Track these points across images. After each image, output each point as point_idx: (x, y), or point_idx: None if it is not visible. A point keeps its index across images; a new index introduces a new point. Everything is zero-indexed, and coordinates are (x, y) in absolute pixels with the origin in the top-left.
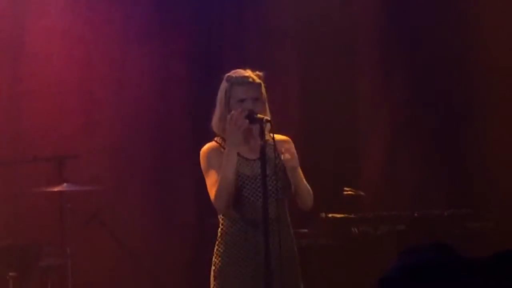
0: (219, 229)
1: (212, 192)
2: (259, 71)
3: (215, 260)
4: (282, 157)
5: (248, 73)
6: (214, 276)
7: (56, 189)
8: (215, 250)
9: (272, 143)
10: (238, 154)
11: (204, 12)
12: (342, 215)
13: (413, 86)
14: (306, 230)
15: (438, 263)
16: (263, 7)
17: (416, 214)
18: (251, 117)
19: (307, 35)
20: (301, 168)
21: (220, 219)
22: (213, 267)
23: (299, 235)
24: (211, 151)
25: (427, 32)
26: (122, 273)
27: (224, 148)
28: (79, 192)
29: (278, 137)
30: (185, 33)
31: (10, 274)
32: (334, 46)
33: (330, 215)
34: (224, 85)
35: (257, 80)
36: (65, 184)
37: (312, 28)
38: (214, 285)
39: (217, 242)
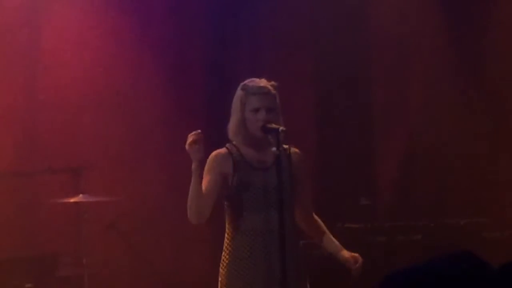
0: (225, 239)
1: None
2: (274, 81)
3: (221, 271)
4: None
5: (263, 83)
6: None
7: (72, 200)
8: (221, 261)
9: (286, 153)
10: (248, 163)
11: (219, 21)
12: (358, 225)
13: (428, 93)
14: None
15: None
16: (278, 15)
17: (432, 224)
18: (266, 127)
19: (322, 43)
20: (318, 177)
21: (227, 229)
22: (219, 278)
23: (315, 245)
24: (215, 157)
25: (444, 36)
26: (139, 283)
27: (232, 154)
28: (96, 203)
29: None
30: (199, 42)
31: (27, 285)
32: (348, 53)
33: (346, 225)
34: (239, 93)
35: (273, 91)
36: (81, 195)
37: (325, 37)
38: None
39: (223, 253)
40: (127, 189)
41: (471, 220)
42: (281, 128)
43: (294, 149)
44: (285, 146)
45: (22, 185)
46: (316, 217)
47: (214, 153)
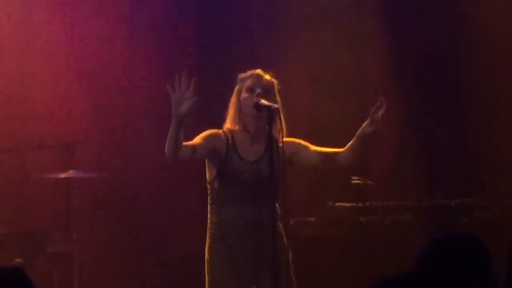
0: (208, 223)
1: None
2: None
3: (206, 254)
4: (370, 122)
5: (259, 71)
6: (206, 271)
7: (62, 175)
8: (206, 242)
9: (278, 144)
10: (238, 155)
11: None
12: (349, 204)
13: (422, 76)
14: (313, 219)
15: None
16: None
17: (423, 204)
18: (258, 104)
19: (314, 42)
20: None
21: (208, 214)
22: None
23: (305, 223)
24: (211, 133)
25: (434, 27)
26: (128, 260)
27: (227, 138)
28: (86, 179)
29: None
30: (192, 21)
31: (16, 260)
32: (341, 48)
33: (337, 204)
34: (237, 86)
35: (268, 76)
36: (71, 171)
37: (318, 37)
38: (206, 279)
39: (207, 235)
40: (118, 165)
41: (462, 200)
42: (273, 105)
43: (286, 138)
44: (280, 144)
45: (12, 161)
46: (338, 154)
47: (210, 130)
